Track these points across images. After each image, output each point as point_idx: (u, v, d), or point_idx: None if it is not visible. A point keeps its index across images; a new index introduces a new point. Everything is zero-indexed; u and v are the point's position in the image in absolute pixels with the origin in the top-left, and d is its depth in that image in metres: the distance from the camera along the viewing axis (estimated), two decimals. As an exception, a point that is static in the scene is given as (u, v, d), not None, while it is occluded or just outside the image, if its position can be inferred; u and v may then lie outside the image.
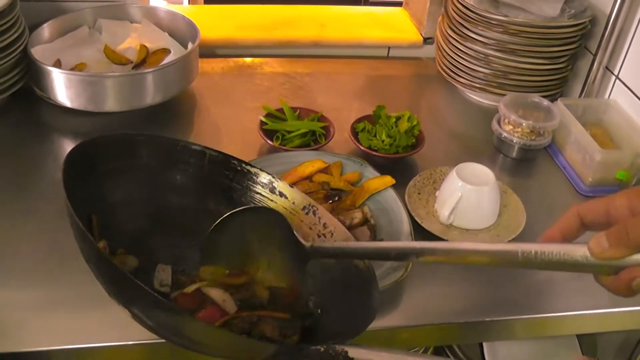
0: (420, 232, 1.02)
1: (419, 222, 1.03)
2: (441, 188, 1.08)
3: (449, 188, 1.05)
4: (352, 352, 0.68)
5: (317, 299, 0.85)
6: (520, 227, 1.05)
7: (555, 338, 1.34)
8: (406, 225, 0.99)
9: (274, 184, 0.92)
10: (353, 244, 0.87)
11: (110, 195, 0.85)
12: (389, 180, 1.06)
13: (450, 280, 0.98)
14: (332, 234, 0.90)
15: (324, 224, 0.90)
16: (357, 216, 1.01)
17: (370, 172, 1.09)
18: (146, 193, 0.88)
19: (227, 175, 0.92)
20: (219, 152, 0.91)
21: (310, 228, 0.91)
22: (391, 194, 1.05)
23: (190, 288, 0.81)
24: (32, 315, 0.86)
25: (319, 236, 0.90)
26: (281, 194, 0.92)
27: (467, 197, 1.03)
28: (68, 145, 1.21)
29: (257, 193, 0.92)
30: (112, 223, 0.82)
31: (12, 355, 0.82)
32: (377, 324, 0.89)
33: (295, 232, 0.81)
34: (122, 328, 0.84)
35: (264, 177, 0.92)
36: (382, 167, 1.10)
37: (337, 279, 0.85)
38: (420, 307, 0.94)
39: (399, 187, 1.07)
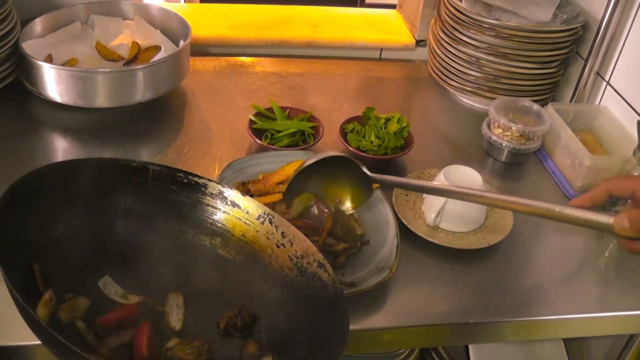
0: (406, 234, 1.02)
1: (406, 224, 1.03)
2: (428, 190, 1.08)
3: (437, 190, 1.05)
4: None
5: (278, 332, 0.81)
6: (507, 231, 1.05)
7: (542, 343, 1.34)
8: (392, 227, 0.99)
9: (224, 194, 0.88)
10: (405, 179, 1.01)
11: (50, 233, 0.79)
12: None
13: (435, 283, 0.98)
14: (292, 243, 0.85)
15: (282, 232, 0.86)
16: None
17: (358, 173, 1.09)
18: (89, 224, 0.83)
19: (173, 190, 0.87)
20: (163, 166, 0.87)
21: (268, 238, 0.87)
22: (378, 195, 1.05)
23: None
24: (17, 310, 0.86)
25: (277, 246, 0.86)
26: (233, 204, 0.88)
27: (454, 199, 1.03)
28: (58, 140, 1.21)
29: (208, 205, 0.88)
30: (56, 264, 0.77)
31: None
32: (361, 325, 0.89)
33: (361, 167, 0.92)
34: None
35: (214, 188, 0.88)
36: (370, 168, 1.10)
37: (297, 299, 0.82)
38: (405, 308, 0.94)
39: (387, 188, 1.07)
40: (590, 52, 1.37)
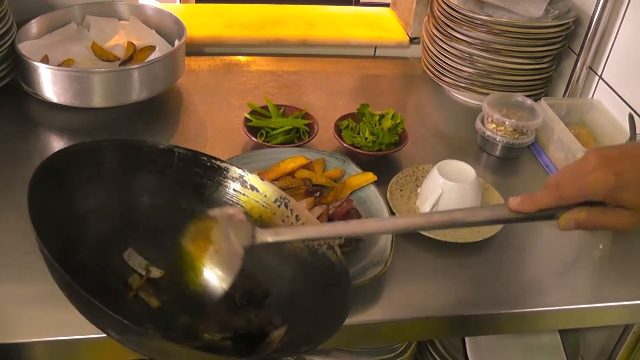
0: (401, 228, 1.03)
1: (401, 218, 1.04)
2: (423, 185, 1.09)
3: (431, 185, 1.06)
4: None
5: (285, 299, 0.85)
6: (500, 224, 1.06)
7: (538, 335, 1.35)
8: (388, 221, 1.00)
9: (244, 178, 0.92)
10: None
11: (79, 206, 0.83)
12: (370, 177, 1.07)
13: (431, 276, 0.99)
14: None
15: (297, 216, 0.90)
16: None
17: (352, 169, 1.10)
18: (116, 199, 0.88)
19: (197, 172, 0.92)
20: (188, 150, 0.91)
21: (283, 220, 0.91)
22: (373, 191, 1.06)
23: None
24: (18, 308, 0.87)
25: None
26: (252, 188, 0.92)
27: (448, 193, 1.04)
28: (54, 141, 1.22)
29: (229, 188, 0.92)
30: (83, 236, 0.82)
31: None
32: (357, 318, 0.90)
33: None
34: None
35: (235, 172, 0.92)
36: (365, 164, 1.11)
37: (307, 275, 0.86)
38: (401, 302, 0.95)
39: (382, 184, 1.08)
40: (582, 47, 1.38)
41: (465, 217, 0.76)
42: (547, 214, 0.75)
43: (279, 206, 0.91)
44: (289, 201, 0.91)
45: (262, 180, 0.92)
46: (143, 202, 0.90)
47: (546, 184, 0.75)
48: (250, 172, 0.93)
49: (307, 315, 0.81)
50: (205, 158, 0.92)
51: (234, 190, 0.92)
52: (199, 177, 0.92)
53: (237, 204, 0.92)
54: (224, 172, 0.92)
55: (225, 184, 0.92)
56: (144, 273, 0.85)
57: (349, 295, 0.81)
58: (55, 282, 0.71)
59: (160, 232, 0.88)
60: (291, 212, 0.91)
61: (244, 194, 0.92)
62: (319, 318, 0.79)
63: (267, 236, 0.77)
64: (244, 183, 0.92)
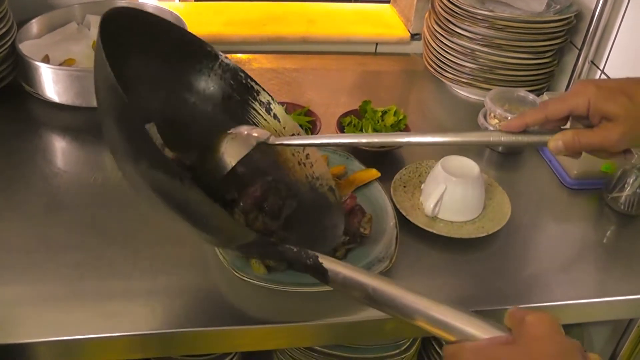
0: (405, 225, 1.03)
1: (405, 214, 1.04)
2: (426, 180, 1.09)
3: (434, 180, 1.06)
4: (321, 258, 0.72)
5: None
6: (505, 219, 1.06)
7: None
8: (392, 218, 1.00)
9: (271, 105, 0.99)
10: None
11: (120, 70, 0.83)
12: (374, 173, 1.07)
13: (435, 272, 0.99)
14: (312, 165, 0.97)
15: (307, 154, 0.98)
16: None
17: (356, 165, 1.10)
18: (154, 77, 0.91)
19: (231, 84, 0.98)
20: (230, 62, 0.97)
21: (293, 154, 0.98)
22: (377, 187, 1.06)
23: None
24: (20, 308, 0.87)
25: (299, 164, 0.98)
26: (275, 117, 0.99)
27: (452, 189, 1.04)
28: (56, 141, 1.22)
29: (253, 109, 0.99)
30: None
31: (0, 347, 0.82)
32: (362, 315, 0.90)
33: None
34: (110, 320, 0.85)
35: (264, 97, 0.99)
36: (368, 160, 1.11)
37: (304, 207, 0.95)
38: None
39: (385, 180, 1.08)
40: (584, 41, 1.38)
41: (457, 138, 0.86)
42: (539, 139, 0.83)
43: None
44: None
45: (288, 114, 1.00)
46: (175, 90, 0.96)
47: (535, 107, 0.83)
48: (277, 103, 1.00)
49: (306, 232, 0.90)
50: (242, 74, 0.98)
51: (257, 112, 0.99)
52: (231, 89, 0.98)
53: (256, 125, 0.98)
54: (255, 94, 0.99)
55: (251, 104, 0.99)
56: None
57: (341, 223, 0.88)
58: (102, 110, 0.76)
59: (182, 122, 0.93)
60: (302, 150, 0.98)
61: (265, 119, 0.99)
62: (315, 238, 0.87)
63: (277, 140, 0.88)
64: (269, 110, 0.99)
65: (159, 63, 0.91)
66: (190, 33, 0.96)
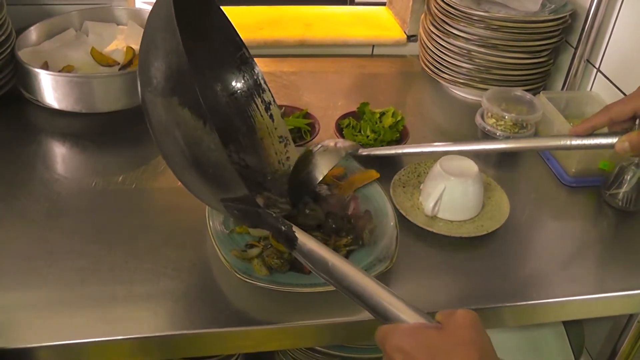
0: (405, 225, 1.04)
1: (404, 214, 1.05)
2: (425, 180, 1.09)
3: (433, 180, 1.07)
4: (295, 228, 0.79)
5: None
6: (504, 218, 1.06)
7: (543, 328, 1.36)
8: (391, 218, 1.00)
9: (270, 106, 1.05)
10: None
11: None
12: (373, 174, 1.07)
13: (436, 271, 1.00)
14: (290, 167, 1.02)
15: (288, 157, 1.04)
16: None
17: (355, 166, 1.10)
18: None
19: (244, 76, 1.04)
20: (251, 56, 1.03)
21: (275, 153, 1.04)
22: (376, 188, 1.06)
23: None
24: (22, 314, 0.87)
25: (278, 162, 1.04)
26: (271, 117, 1.05)
27: (451, 189, 1.04)
28: (56, 147, 1.22)
29: (255, 104, 1.05)
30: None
31: (0, 351, 0.83)
32: (363, 315, 0.90)
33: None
34: (112, 324, 0.86)
35: (268, 96, 1.05)
36: (367, 162, 1.11)
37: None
38: (407, 297, 0.91)
39: (384, 181, 1.09)
40: (579, 40, 1.38)
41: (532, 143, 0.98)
42: (607, 142, 0.87)
43: (280, 142, 1.05)
44: (289, 144, 1.05)
45: (282, 117, 1.06)
46: (208, 80, 1.01)
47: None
48: (278, 106, 1.06)
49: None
50: (257, 70, 1.04)
51: (257, 107, 1.05)
52: (243, 80, 1.04)
53: (251, 117, 1.05)
54: (260, 90, 1.05)
55: (254, 99, 1.04)
56: None
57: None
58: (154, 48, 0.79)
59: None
60: (285, 152, 1.04)
61: (261, 115, 1.05)
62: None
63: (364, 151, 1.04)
64: (267, 109, 1.05)
65: (187, 41, 0.89)
66: (235, 32, 1.03)
